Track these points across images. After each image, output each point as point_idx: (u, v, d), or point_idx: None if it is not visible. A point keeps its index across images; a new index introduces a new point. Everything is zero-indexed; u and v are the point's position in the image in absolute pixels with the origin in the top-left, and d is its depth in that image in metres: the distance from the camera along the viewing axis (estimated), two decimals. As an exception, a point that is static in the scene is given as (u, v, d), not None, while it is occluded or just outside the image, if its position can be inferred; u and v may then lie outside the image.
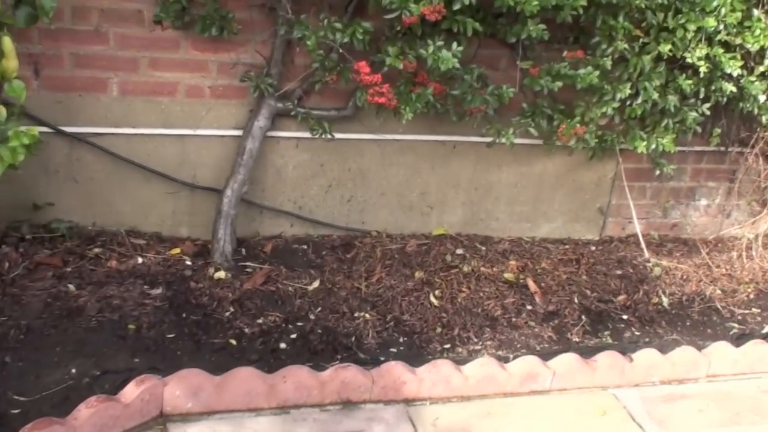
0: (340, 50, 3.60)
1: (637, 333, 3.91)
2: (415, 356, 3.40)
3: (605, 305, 4.06)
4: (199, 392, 2.90)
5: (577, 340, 3.75)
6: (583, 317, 3.91)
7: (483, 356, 3.45)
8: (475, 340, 3.61)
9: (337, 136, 4.03)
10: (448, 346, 3.54)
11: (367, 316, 3.61)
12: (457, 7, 3.54)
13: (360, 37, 3.58)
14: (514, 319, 3.80)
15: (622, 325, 3.95)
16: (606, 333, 3.85)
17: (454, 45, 3.58)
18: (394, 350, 3.45)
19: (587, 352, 3.57)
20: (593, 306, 4.03)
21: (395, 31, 3.76)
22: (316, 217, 4.25)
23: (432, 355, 3.44)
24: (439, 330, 3.63)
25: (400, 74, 3.77)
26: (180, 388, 2.88)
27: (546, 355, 3.48)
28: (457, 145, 4.34)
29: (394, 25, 3.71)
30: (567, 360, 3.43)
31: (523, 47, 3.95)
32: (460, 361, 3.33)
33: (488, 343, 3.61)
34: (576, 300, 4.03)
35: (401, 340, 3.52)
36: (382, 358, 3.32)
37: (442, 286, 3.93)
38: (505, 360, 3.45)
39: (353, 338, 3.45)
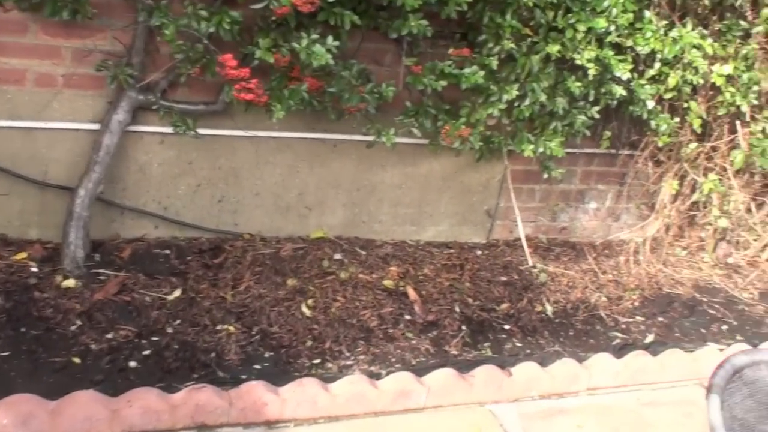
0: (206, 41, 3.32)
1: (519, 344, 3.77)
2: (281, 373, 3.18)
3: (487, 314, 3.92)
4: (30, 420, 2.63)
5: (455, 353, 3.58)
6: (464, 327, 3.75)
7: (354, 372, 3.26)
8: (347, 354, 3.40)
9: (207, 132, 3.77)
10: (317, 361, 3.32)
11: (231, 328, 3.35)
12: (332, -2, 3.31)
13: (227, 27, 3.30)
14: (390, 331, 3.60)
15: (504, 336, 3.81)
16: (486, 345, 3.70)
17: (329, 39, 3.35)
18: (258, 367, 3.20)
19: (465, 366, 3.43)
20: (475, 315, 3.88)
21: (269, 21, 3.49)
22: (184, 218, 3.95)
23: (299, 372, 3.22)
24: (309, 343, 3.40)
25: (273, 68, 3.51)
26: (8, 416, 2.60)
27: (422, 370, 3.33)
28: (338, 144, 4.12)
29: (266, 16, 3.44)
30: (443, 375, 3.29)
31: (408, 43, 3.76)
32: (328, 379, 3.14)
33: (361, 357, 3.40)
34: (457, 309, 3.87)
35: (267, 355, 3.28)
36: (244, 376, 3.09)
37: (316, 294, 3.70)
38: (378, 376, 3.27)
39: (213, 354, 3.18)
